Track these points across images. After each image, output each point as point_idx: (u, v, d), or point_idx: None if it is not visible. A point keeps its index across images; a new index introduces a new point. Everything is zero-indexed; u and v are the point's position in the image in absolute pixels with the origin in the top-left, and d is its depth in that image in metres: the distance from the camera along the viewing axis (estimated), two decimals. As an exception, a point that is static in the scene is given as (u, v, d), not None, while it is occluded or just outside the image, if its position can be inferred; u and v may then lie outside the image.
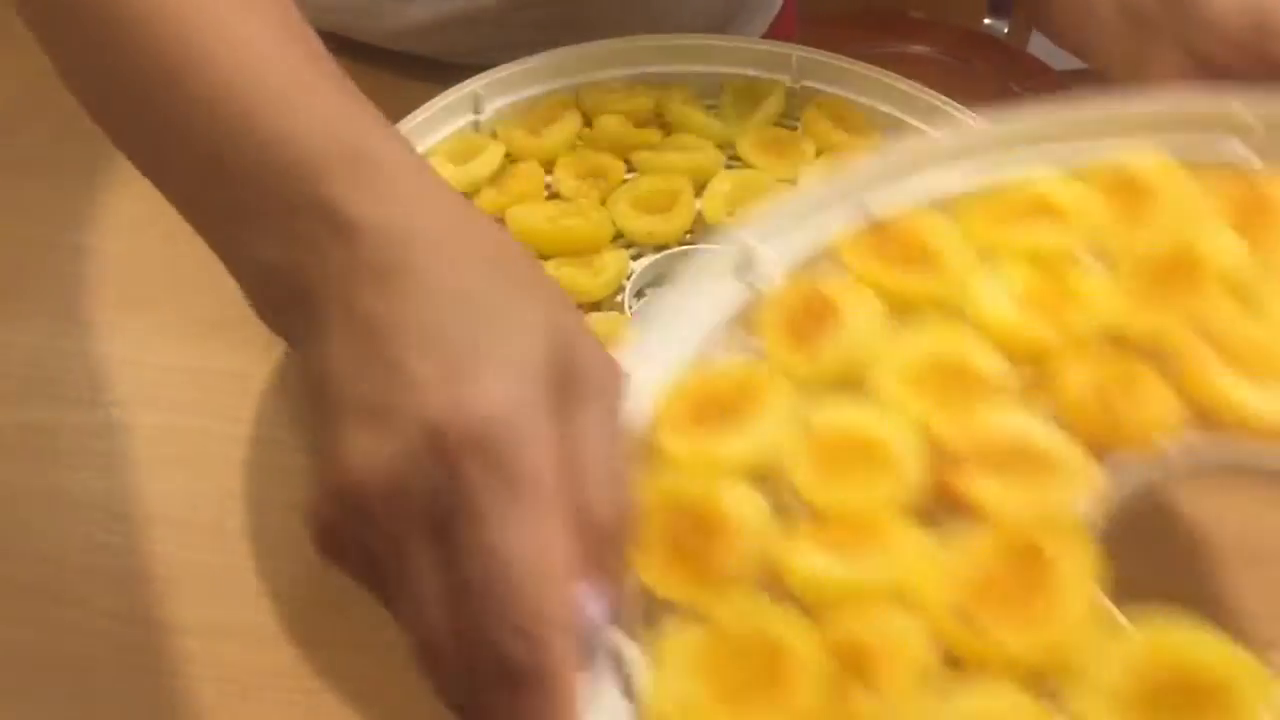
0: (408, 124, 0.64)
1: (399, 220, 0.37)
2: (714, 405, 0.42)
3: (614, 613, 0.36)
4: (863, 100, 0.69)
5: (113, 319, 0.73)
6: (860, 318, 0.44)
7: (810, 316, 0.44)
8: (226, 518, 0.63)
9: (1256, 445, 0.40)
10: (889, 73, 0.68)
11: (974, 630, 0.36)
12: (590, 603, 0.35)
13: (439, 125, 0.66)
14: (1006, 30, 1.53)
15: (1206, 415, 0.41)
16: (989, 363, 0.43)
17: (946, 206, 0.47)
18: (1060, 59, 1.20)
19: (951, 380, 0.42)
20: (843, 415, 0.41)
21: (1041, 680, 0.36)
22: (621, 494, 0.37)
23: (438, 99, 0.66)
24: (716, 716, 0.35)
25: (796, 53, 0.70)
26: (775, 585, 0.38)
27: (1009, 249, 0.45)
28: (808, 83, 0.70)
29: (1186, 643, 0.35)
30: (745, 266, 0.45)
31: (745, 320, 0.45)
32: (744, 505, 0.39)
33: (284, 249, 0.38)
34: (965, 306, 0.44)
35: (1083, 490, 0.39)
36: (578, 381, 0.36)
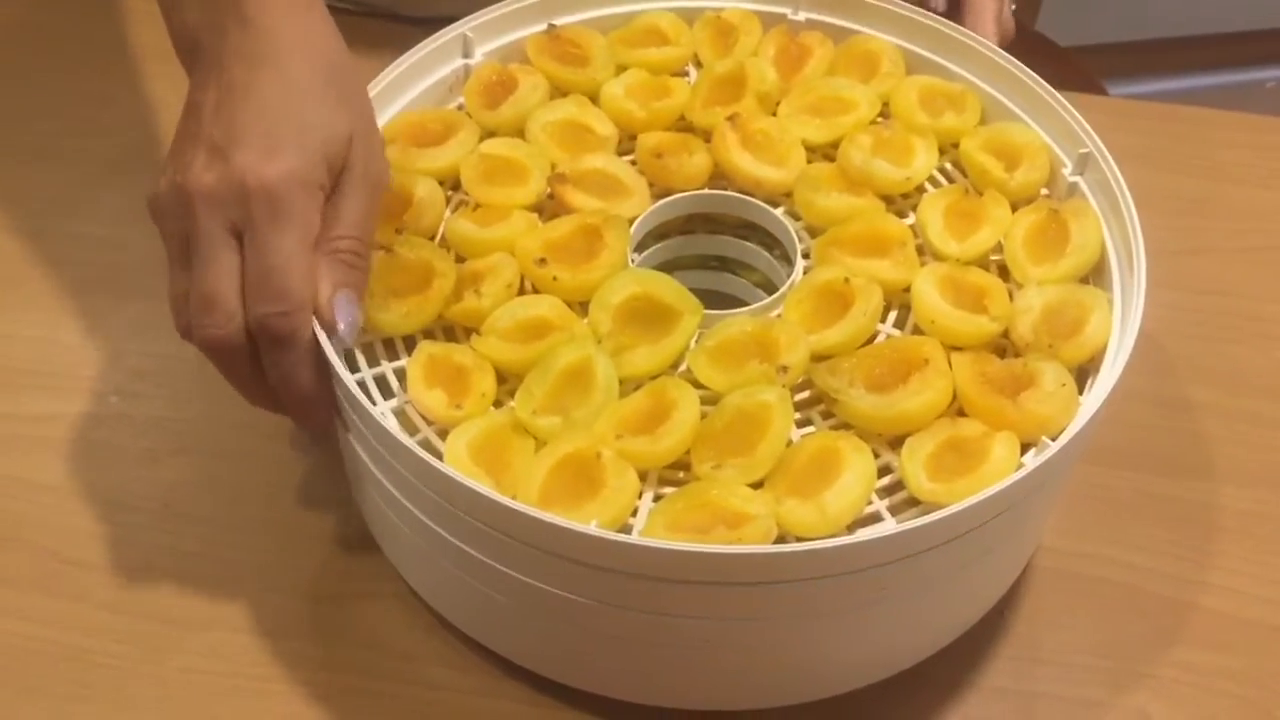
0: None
1: (278, 26, 0.55)
2: (425, 134, 0.66)
3: (354, 313, 0.55)
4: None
5: (110, 308, 0.73)
6: (529, 90, 0.68)
7: (499, 86, 0.68)
8: (226, 509, 0.64)
9: (747, 191, 0.66)
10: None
11: (545, 270, 0.61)
12: (339, 306, 0.54)
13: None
14: (1013, 8, 1.56)
15: (723, 173, 0.66)
16: (602, 127, 0.67)
17: (600, 26, 0.71)
18: (1067, 35, 1.29)
19: (575, 134, 0.67)
20: (501, 147, 0.66)
21: (581, 299, 0.60)
22: (362, 237, 0.55)
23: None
24: (386, 303, 0.59)
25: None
26: (442, 242, 0.63)
27: (633, 60, 0.70)
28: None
29: (655, 282, 0.60)
30: (466, 50, 0.69)
31: (457, 84, 0.69)
32: (429, 193, 0.64)
33: (199, 16, 0.57)
34: (598, 92, 0.69)
35: (636, 204, 0.64)
36: (353, 170, 0.56)
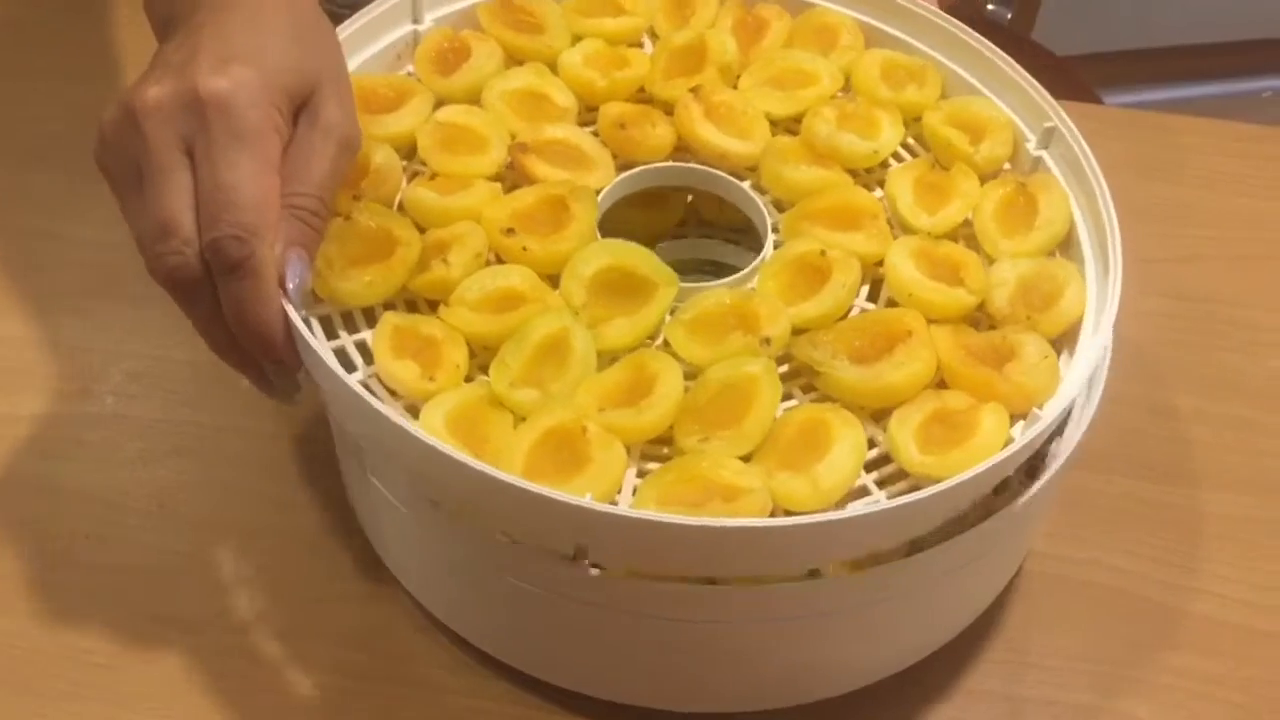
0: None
1: None
2: (377, 100, 0.64)
3: (304, 274, 0.52)
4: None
5: (107, 310, 0.73)
6: (484, 58, 0.66)
7: (451, 53, 0.66)
8: (219, 510, 0.64)
9: (712, 164, 0.64)
10: None
11: (514, 240, 0.58)
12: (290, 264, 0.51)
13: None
14: (1010, 17, 1.47)
15: (687, 145, 0.65)
16: (562, 97, 0.65)
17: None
18: (1063, 44, 1.29)
19: (534, 103, 0.65)
20: (459, 115, 0.63)
21: (551, 271, 0.58)
22: (322, 196, 0.52)
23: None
24: (347, 271, 0.56)
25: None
26: (400, 211, 0.60)
27: (589, 30, 0.68)
28: None
29: (629, 253, 0.58)
30: (415, 15, 0.67)
31: (406, 50, 0.66)
32: (387, 160, 0.61)
33: None
34: (555, 61, 0.67)
35: (600, 176, 0.62)
36: (318, 123, 0.53)
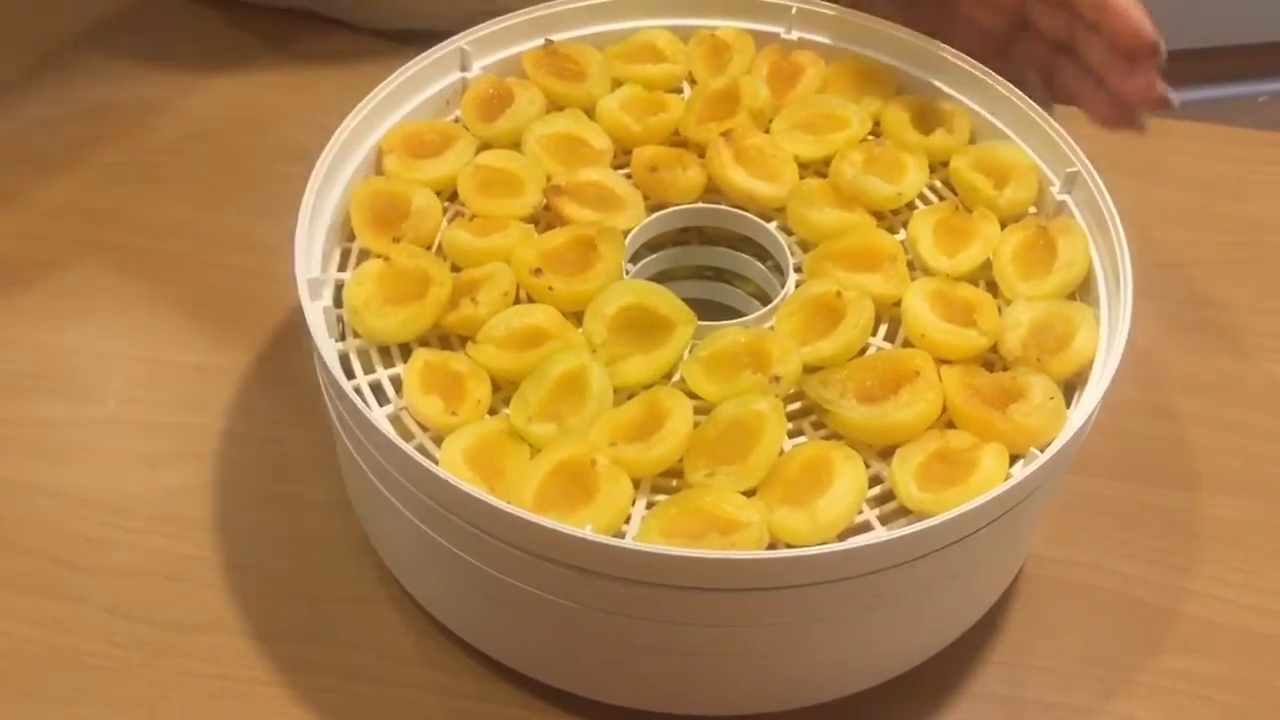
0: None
1: None
2: (423, 145, 0.67)
3: None
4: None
5: (108, 313, 0.73)
6: (525, 104, 0.69)
7: (496, 99, 0.69)
8: (223, 513, 0.64)
9: (741, 206, 0.66)
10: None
11: (540, 280, 0.61)
12: None
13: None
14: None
15: (717, 187, 0.67)
16: (598, 141, 0.68)
17: (597, 42, 0.72)
18: None
19: (571, 147, 0.68)
20: (498, 159, 0.67)
21: (576, 309, 0.61)
22: None
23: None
24: (383, 310, 0.60)
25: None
26: (438, 252, 0.63)
27: (629, 76, 0.71)
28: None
29: (650, 293, 0.60)
30: (464, 64, 0.70)
31: (454, 97, 0.70)
32: (427, 202, 0.64)
33: None
34: (594, 107, 0.69)
35: (630, 217, 0.65)
36: None
